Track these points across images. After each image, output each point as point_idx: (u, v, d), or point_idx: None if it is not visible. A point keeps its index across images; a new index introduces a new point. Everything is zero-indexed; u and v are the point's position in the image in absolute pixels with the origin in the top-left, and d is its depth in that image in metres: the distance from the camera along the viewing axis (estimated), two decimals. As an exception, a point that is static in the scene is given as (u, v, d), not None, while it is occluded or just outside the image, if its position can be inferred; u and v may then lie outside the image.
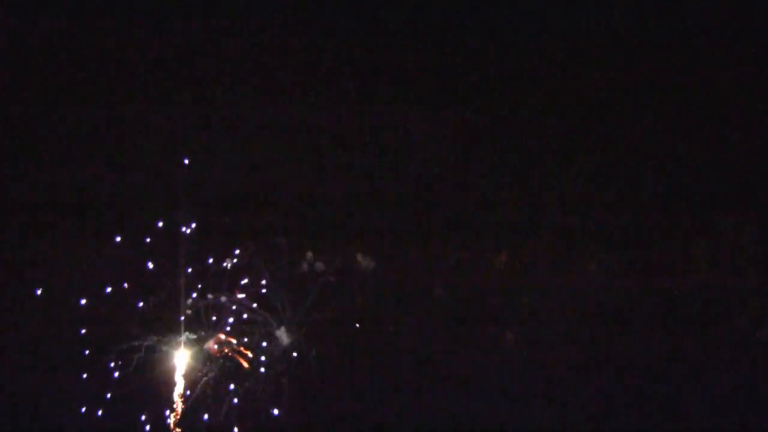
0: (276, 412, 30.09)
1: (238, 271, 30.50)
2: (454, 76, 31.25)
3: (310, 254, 30.33)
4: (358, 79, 30.75)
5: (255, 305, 30.50)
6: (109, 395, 29.82)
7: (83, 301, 29.81)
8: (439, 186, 30.92)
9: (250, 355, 30.46)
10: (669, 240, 29.91)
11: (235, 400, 30.33)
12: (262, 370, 30.34)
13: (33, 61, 31.67)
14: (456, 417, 30.32)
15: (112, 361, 29.89)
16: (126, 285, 29.91)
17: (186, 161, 30.28)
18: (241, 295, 30.34)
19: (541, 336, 30.15)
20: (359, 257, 30.49)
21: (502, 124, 30.84)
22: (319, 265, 30.41)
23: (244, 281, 30.42)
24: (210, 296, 30.32)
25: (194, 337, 30.65)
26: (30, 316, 30.31)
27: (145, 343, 30.35)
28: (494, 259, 30.39)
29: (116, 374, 29.89)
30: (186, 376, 30.54)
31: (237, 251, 30.42)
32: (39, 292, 29.86)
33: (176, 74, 31.05)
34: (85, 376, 29.84)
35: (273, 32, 30.64)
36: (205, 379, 30.60)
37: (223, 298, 30.34)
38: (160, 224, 30.04)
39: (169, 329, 30.48)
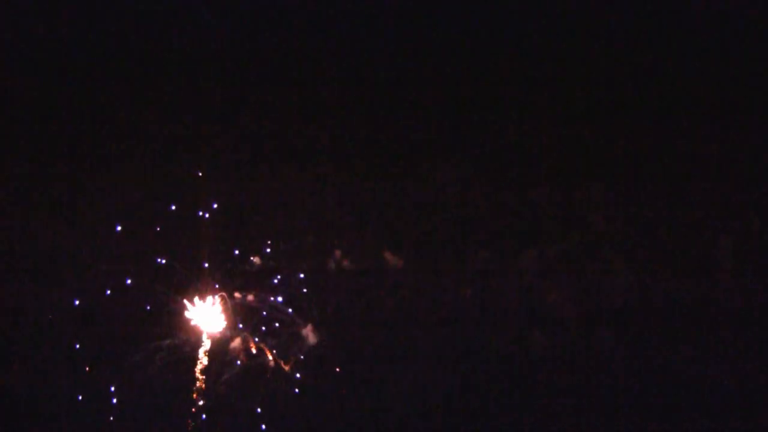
0: (299, 410, 30.02)
1: (265, 271, 30.28)
2: (478, 85, 31.49)
3: (338, 253, 30.22)
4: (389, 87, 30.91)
5: (281, 304, 30.32)
6: (132, 394, 29.62)
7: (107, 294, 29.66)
8: (466, 187, 31.02)
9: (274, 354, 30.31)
10: (695, 240, 30.27)
11: (258, 399, 30.18)
12: (287, 369, 30.17)
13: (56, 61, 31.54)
14: (482, 415, 30.35)
15: (136, 360, 29.64)
16: (153, 284, 29.75)
17: (200, 173, 30.42)
18: (273, 298, 30.15)
19: (568, 335, 30.30)
20: (387, 256, 30.44)
21: (528, 128, 31.07)
22: (347, 265, 30.30)
23: (275, 280, 30.27)
24: (237, 295, 30.06)
25: (218, 335, 30.35)
26: (57, 315, 29.98)
27: (168, 342, 30.05)
28: (521, 258, 30.53)
29: (140, 373, 29.65)
30: (209, 375, 30.21)
31: (266, 250, 30.34)
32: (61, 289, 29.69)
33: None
34: (109, 374, 29.69)
35: (304, 41, 30.85)
36: (227, 377, 30.31)
37: (250, 297, 30.09)
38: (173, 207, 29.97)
39: (194, 328, 30.22)
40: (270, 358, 30.23)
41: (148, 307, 30.08)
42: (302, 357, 30.19)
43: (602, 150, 30.71)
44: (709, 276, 30.29)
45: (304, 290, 29.99)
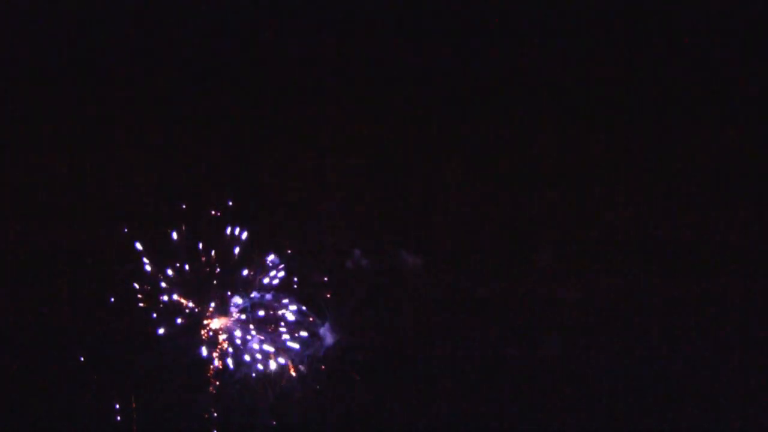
0: (316, 410, 29.98)
1: (284, 270, 30.19)
2: (497, 81, 31.52)
3: (357, 252, 30.14)
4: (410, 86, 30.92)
5: (298, 305, 30.24)
6: (149, 393, 29.51)
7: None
8: (483, 187, 31.09)
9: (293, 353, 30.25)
10: (710, 242, 30.51)
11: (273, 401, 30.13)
12: (304, 369, 30.13)
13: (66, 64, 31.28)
14: (499, 414, 30.48)
15: (153, 359, 29.50)
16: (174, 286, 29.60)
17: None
18: (290, 299, 30.07)
19: (584, 334, 30.47)
20: (405, 256, 30.41)
21: (543, 129, 31.19)
22: (366, 264, 30.24)
23: (293, 284, 30.19)
24: (256, 295, 29.91)
25: (238, 335, 30.25)
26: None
27: (184, 341, 29.91)
28: (536, 257, 30.64)
29: (156, 371, 29.49)
30: (225, 375, 30.12)
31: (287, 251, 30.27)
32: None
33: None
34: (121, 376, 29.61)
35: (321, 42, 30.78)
36: (242, 377, 30.23)
37: (268, 297, 29.95)
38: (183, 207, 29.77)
39: (209, 330, 30.09)
40: (286, 360, 30.20)
41: (154, 314, 29.96)
42: (319, 360, 30.19)
43: (611, 151, 30.92)
44: (711, 276, 30.55)
45: (328, 296, 29.93)
